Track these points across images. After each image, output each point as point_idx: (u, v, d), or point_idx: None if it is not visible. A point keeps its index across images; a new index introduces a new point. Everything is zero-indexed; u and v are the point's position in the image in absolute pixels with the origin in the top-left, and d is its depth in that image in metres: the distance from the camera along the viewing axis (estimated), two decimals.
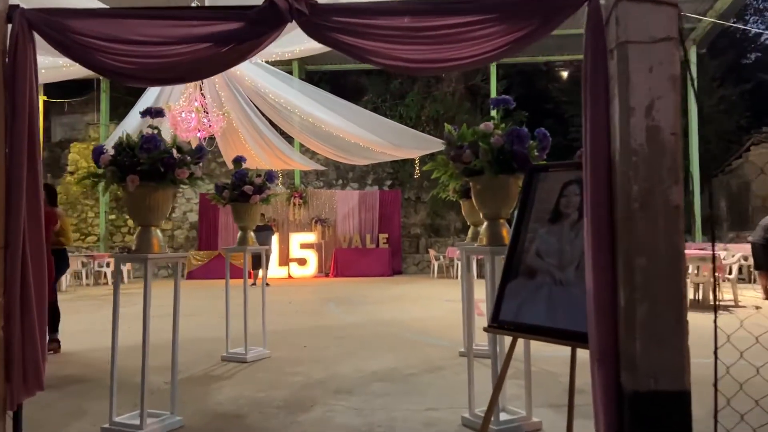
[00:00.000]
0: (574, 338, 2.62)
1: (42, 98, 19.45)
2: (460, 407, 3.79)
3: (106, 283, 15.13)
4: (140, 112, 3.66)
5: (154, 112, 3.58)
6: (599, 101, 2.32)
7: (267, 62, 11.37)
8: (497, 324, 2.95)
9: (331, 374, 4.82)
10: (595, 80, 2.33)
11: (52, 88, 20.90)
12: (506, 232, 3.51)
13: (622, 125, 2.21)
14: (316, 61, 18.08)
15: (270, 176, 5.55)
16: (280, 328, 7.27)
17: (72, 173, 20.41)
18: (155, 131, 3.49)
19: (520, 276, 2.96)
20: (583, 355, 2.49)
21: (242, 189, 5.38)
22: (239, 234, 5.61)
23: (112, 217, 19.48)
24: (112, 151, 3.50)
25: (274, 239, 16.60)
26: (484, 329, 3.02)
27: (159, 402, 4.10)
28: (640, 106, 2.18)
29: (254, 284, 12.92)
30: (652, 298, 2.14)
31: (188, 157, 3.50)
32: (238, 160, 5.62)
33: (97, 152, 3.46)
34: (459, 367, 5.01)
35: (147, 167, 3.36)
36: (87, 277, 15.20)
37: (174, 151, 3.51)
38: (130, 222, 19.60)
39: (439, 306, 9.31)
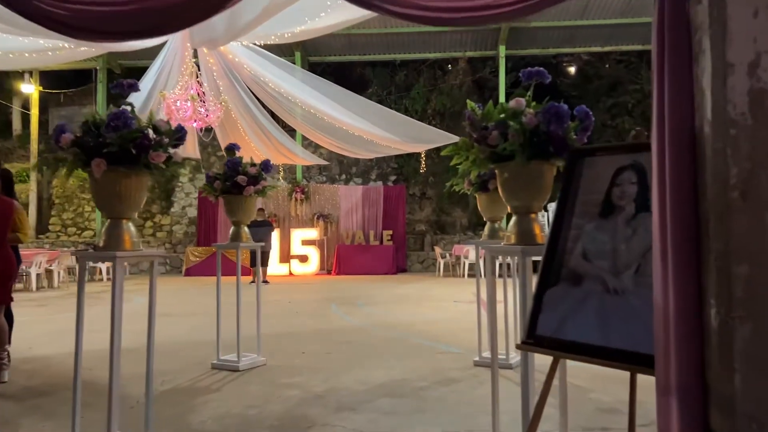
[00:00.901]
0: (635, 361, 2.09)
1: (37, 88, 18.96)
2: (481, 430, 3.28)
3: (102, 280, 14.64)
4: (110, 86, 3.13)
5: (126, 86, 3.06)
6: (680, 59, 1.79)
7: (267, 49, 10.85)
8: (533, 340, 2.42)
9: (332, 387, 4.30)
10: (674, 32, 1.80)
11: (50, 79, 20.40)
12: (539, 229, 2.98)
13: (715, 89, 1.68)
14: (319, 52, 17.56)
15: (266, 166, 5.03)
16: (277, 330, 6.76)
17: None
18: (129, 108, 2.97)
19: (562, 282, 2.43)
20: (626, 376, 1.96)
21: (235, 180, 4.86)
22: (232, 229, 5.09)
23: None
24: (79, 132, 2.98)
25: (275, 236, 16.10)
26: (518, 346, 2.49)
27: (134, 420, 3.58)
28: (741, 62, 1.65)
29: (253, 282, 12.45)
30: (757, 318, 1.61)
31: (165, 139, 2.98)
32: (231, 148, 5.10)
33: (58, 131, 2.93)
34: (474, 380, 4.49)
35: (116, 149, 2.84)
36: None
37: (150, 131, 2.99)
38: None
39: (447, 308, 8.79)
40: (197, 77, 10.24)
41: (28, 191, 19.20)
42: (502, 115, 2.88)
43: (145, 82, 11.30)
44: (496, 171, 3.01)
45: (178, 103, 9.76)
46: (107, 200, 2.97)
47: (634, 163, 2.37)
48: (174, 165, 3.06)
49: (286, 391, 4.22)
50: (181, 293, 11.43)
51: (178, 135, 3.10)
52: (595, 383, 4.23)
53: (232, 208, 4.99)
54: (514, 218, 3.01)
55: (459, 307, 8.75)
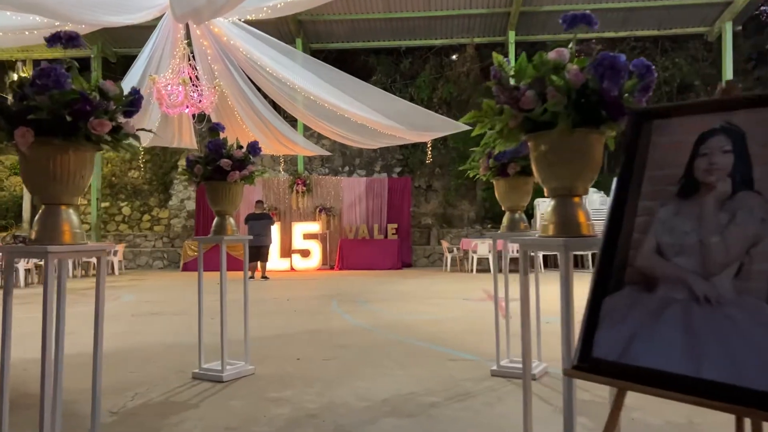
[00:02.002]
0: (743, 400, 1.48)
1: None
2: None
3: (95, 274, 14.06)
4: (45, 39, 2.51)
5: (65, 39, 2.44)
6: None
7: (265, 32, 10.22)
8: (589, 364, 1.80)
9: (328, 403, 3.69)
10: None
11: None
12: (584, 217, 2.34)
13: None
14: (321, 39, 16.93)
15: (253, 148, 4.40)
16: (271, 332, 6.15)
17: None
18: (67, 66, 2.36)
19: (628, 287, 1.81)
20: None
21: (218, 164, 4.25)
22: (215, 221, 4.48)
23: (106, 204, 18.43)
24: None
25: (275, 229, 15.50)
26: (566, 372, 1.88)
27: None
28: None
29: (252, 278, 11.87)
30: None
31: (111, 103, 2.36)
32: (215, 128, 4.48)
33: None
34: (493, 394, 3.87)
35: (46, 115, 2.22)
36: (74, 269, 14.15)
37: (96, 95, 2.38)
38: (126, 210, 18.59)
39: (456, 306, 8.17)
40: (189, 60, 9.61)
41: (22, 184, 18.64)
42: (540, 71, 2.25)
43: (136, 68, 10.71)
44: (530, 144, 2.39)
45: (169, 88, 9.14)
46: (39, 181, 2.36)
47: (727, 125, 1.74)
48: (125, 137, 2.45)
49: (274, 408, 3.61)
50: (175, 289, 10.86)
51: (131, 99, 2.48)
52: (637, 400, 3.61)
53: (215, 196, 4.38)
54: (552, 204, 2.38)
55: (469, 306, 8.14)
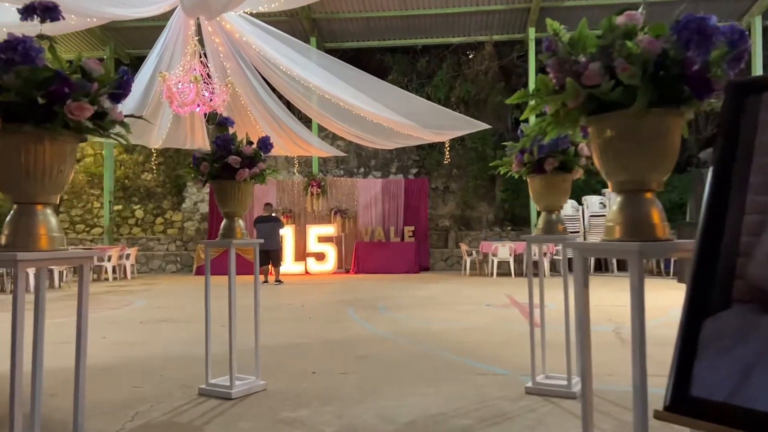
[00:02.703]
0: None
1: None
2: None
3: (107, 279, 13.83)
4: (18, 10, 2.15)
5: (39, 9, 2.08)
6: None
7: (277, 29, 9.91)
8: (686, 405, 1.40)
9: (347, 425, 3.31)
10: None
11: None
12: (658, 216, 1.94)
13: None
14: (336, 38, 16.59)
15: (264, 144, 4.04)
16: (285, 341, 5.79)
17: (78, 161, 19.21)
18: (42, 42, 2.01)
19: (737, 305, 1.40)
20: None
21: (226, 161, 3.89)
22: (223, 223, 4.12)
23: (119, 207, 18.23)
24: None
25: (288, 233, 15.17)
26: (658, 415, 1.47)
27: None
28: None
29: (266, 282, 11.52)
30: None
31: (95, 85, 2.01)
32: (223, 123, 4.12)
33: None
34: (531, 415, 3.46)
35: (14, 97, 1.87)
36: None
37: (79, 76, 2.02)
38: (139, 213, 18.38)
39: (480, 313, 7.76)
40: (201, 57, 9.31)
41: None
42: (606, 39, 1.85)
43: (147, 66, 10.43)
44: (592, 130, 1.99)
45: (180, 86, 8.83)
46: (8, 176, 2.00)
47: None
48: (110, 125, 2.09)
49: (287, 431, 3.24)
50: (187, 295, 10.54)
51: (120, 81, 2.12)
52: None
53: (223, 196, 4.02)
54: (619, 201, 1.98)
55: (493, 313, 7.72)
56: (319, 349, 5.43)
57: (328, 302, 9.09)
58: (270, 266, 12.17)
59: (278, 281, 12.08)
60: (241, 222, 4.13)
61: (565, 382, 3.93)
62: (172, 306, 8.86)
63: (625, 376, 4.31)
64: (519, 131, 3.98)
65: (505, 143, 4.15)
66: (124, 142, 2.26)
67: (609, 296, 9.02)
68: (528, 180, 3.97)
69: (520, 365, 4.65)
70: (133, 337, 6.27)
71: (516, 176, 4.07)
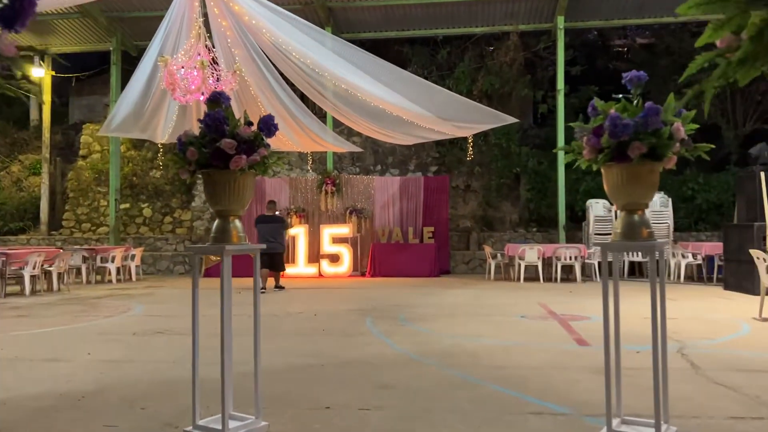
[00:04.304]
0: None
1: (49, 73, 17.58)
2: None
3: (111, 281, 13.10)
4: None
5: None
6: None
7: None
8: None
9: None
10: None
11: (65, 65, 19.04)
12: None
13: None
14: (353, 28, 15.76)
15: (267, 125, 3.21)
16: (293, 362, 4.95)
17: (84, 157, 18.59)
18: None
19: None
20: None
21: (218, 145, 3.06)
22: (216, 224, 3.29)
23: (126, 205, 17.54)
24: None
25: (301, 234, 14.35)
26: None
27: None
28: None
29: (264, 290, 10.66)
30: None
31: None
32: (216, 98, 3.28)
33: None
34: None
35: None
36: (89, 274, 13.19)
37: None
38: (147, 211, 17.69)
39: (515, 326, 6.88)
40: (206, 41, 8.51)
41: (40, 184, 17.89)
42: None
43: (150, 54, 9.66)
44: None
45: (182, 71, 8.03)
46: None
47: None
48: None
49: None
50: (191, 300, 9.75)
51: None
52: None
53: (215, 189, 3.19)
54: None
55: (530, 326, 6.83)
56: (333, 374, 4.58)
57: (342, 311, 8.25)
58: (269, 271, 11.00)
59: (279, 287, 11.00)
60: (237, 223, 3.29)
61: (648, 421, 3.05)
62: (173, 314, 8.07)
63: (714, 418, 3.43)
64: (591, 107, 3.12)
65: (572, 124, 3.27)
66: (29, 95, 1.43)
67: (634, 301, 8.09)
68: (603, 171, 3.09)
69: (579, 400, 3.77)
70: (121, 353, 5.47)
71: (584, 166, 3.20)
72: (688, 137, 2.99)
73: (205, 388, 3.32)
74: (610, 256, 3.18)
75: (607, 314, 3.06)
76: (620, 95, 3.15)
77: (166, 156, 3.17)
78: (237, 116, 9.84)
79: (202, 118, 3.19)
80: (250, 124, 3.22)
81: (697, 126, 3.09)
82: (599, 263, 13.07)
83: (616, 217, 13.66)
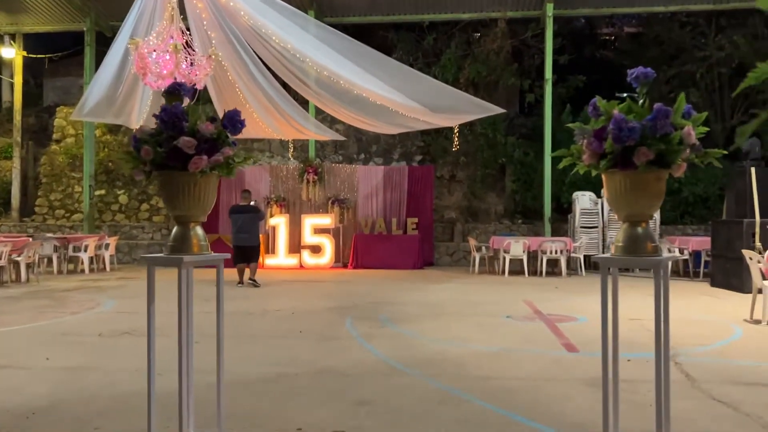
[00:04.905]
0: None
1: (20, 53, 16.92)
2: None
3: (84, 271, 12.65)
4: None
5: None
6: None
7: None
8: None
9: None
10: None
11: (37, 45, 18.37)
12: None
13: None
14: (336, 12, 15.29)
15: (231, 121, 2.86)
16: (264, 371, 4.63)
17: (58, 141, 18.00)
18: None
19: None
20: None
21: (175, 144, 2.71)
22: (174, 231, 2.94)
23: (101, 192, 17.02)
24: None
25: (281, 224, 13.97)
26: None
27: None
28: None
29: (240, 283, 10.28)
30: None
31: None
32: (174, 91, 2.92)
33: None
34: None
35: None
36: (61, 264, 12.73)
37: None
38: (123, 198, 17.19)
39: (501, 328, 6.61)
40: (179, 23, 8.07)
41: (11, 168, 17.29)
42: None
43: (122, 37, 9.18)
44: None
45: (154, 55, 7.60)
46: None
47: None
48: None
49: None
50: (165, 293, 9.35)
51: None
52: None
53: (172, 193, 2.84)
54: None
55: (516, 329, 6.58)
56: (308, 386, 4.27)
57: (322, 309, 7.94)
58: (244, 265, 10.39)
59: (253, 281, 10.33)
60: (198, 230, 2.95)
61: None
62: (143, 311, 7.65)
63: None
64: (591, 107, 2.81)
65: (570, 125, 2.96)
66: None
67: (641, 304, 7.88)
68: (604, 177, 2.79)
69: (572, 421, 3.51)
70: (82, 359, 5.12)
71: (581, 171, 2.90)
72: (698, 142, 2.70)
73: (171, 402, 2.97)
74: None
75: (606, 343, 2.77)
76: (624, 94, 2.85)
77: (118, 153, 2.85)
78: (216, 102, 9.43)
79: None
80: (213, 120, 2.87)
81: (707, 129, 2.81)
82: (585, 257, 12.89)
83: (602, 210, 13.49)
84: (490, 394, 4.03)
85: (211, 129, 2.80)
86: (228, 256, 3.15)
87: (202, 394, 3.44)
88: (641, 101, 2.75)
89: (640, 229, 2.79)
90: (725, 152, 2.84)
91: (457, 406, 3.83)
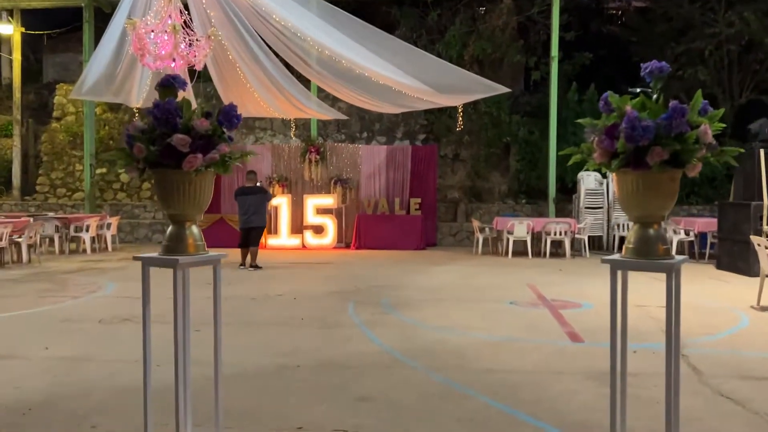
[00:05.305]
0: None
1: (18, 29, 16.69)
2: None
3: (86, 251, 12.62)
4: None
5: None
6: None
7: None
8: None
9: None
10: None
11: (37, 20, 18.13)
12: None
13: None
14: None
15: (228, 116, 2.75)
16: (265, 362, 4.58)
17: (58, 119, 17.85)
18: None
19: None
20: None
21: (168, 142, 2.61)
22: (170, 230, 2.86)
23: (102, 170, 16.92)
24: None
25: (283, 204, 13.88)
26: None
27: None
28: None
29: (243, 266, 10.19)
30: None
31: None
32: (168, 83, 2.80)
33: None
34: None
35: None
36: (63, 244, 12.69)
37: None
38: (124, 176, 17.09)
39: (505, 315, 6.55)
40: (178, 1, 7.89)
41: (12, 147, 17.18)
42: None
43: (119, 15, 9.00)
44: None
45: (152, 35, 7.44)
46: None
47: None
48: None
49: None
50: (167, 275, 9.32)
51: None
52: None
53: (166, 192, 2.74)
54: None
55: (520, 315, 6.52)
56: (308, 380, 4.22)
57: (324, 293, 7.89)
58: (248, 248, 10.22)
59: (255, 266, 10.12)
60: (194, 229, 2.86)
61: None
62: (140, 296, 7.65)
63: None
64: (602, 102, 2.69)
65: (580, 121, 2.84)
66: None
67: (647, 289, 7.78)
68: (616, 177, 2.68)
69: (578, 419, 3.45)
70: (81, 348, 5.07)
71: (592, 169, 2.80)
72: (715, 140, 2.58)
73: (170, 397, 2.88)
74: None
75: (614, 353, 2.68)
76: (638, 89, 2.71)
77: (110, 151, 2.76)
78: (217, 82, 9.24)
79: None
80: (208, 115, 2.76)
81: (724, 126, 2.69)
82: (589, 238, 12.80)
83: (607, 190, 13.35)
84: (493, 389, 3.97)
85: (206, 125, 2.68)
86: (226, 256, 3.05)
87: (202, 387, 3.39)
88: (655, 97, 2.63)
89: (651, 231, 2.68)
90: (742, 150, 2.72)
91: (460, 402, 3.77)
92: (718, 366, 4.54)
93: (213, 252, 2.93)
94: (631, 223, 2.75)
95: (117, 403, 3.75)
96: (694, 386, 4.10)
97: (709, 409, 3.67)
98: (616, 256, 2.76)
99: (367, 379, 4.22)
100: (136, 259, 2.92)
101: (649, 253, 2.67)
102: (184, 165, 2.61)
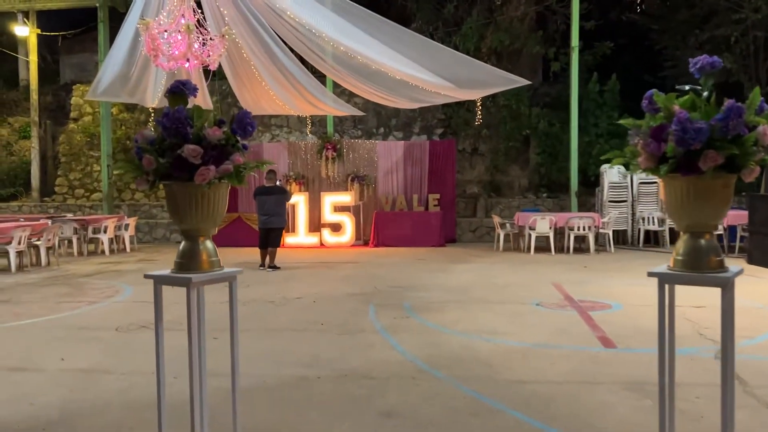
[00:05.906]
0: None
1: (34, 31, 16.69)
2: None
3: (104, 252, 12.60)
4: None
5: None
6: None
7: None
8: None
9: None
10: None
11: (52, 22, 18.13)
12: None
13: None
14: None
15: (241, 124, 2.57)
16: (283, 373, 4.41)
17: (76, 120, 17.87)
18: None
19: None
20: None
21: (179, 153, 2.44)
22: (182, 246, 2.70)
23: (120, 171, 16.83)
24: None
25: (300, 202, 13.74)
26: None
27: None
28: None
29: (262, 267, 10.06)
30: None
31: None
32: (178, 90, 2.63)
33: None
34: None
35: None
36: (81, 246, 12.67)
37: None
38: None
39: (531, 318, 6.33)
40: (191, 1, 7.74)
41: (30, 148, 17.24)
42: None
43: (133, 15, 8.89)
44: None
45: (165, 35, 7.30)
46: None
47: None
48: None
49: None
50: None
51: None
52: None
53: (178, 206, 2.58)
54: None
55: (547, 318, 6.29)
56: (330, 393, 4.05)
57: (343, 295, 7.72)
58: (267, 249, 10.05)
59: (273, 266, 9.97)
60: (208, 244, 2.70)
61: None
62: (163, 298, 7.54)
63: None
64: (646, 101, 2.47)
65: (622, 122, 2.62)
66: None
67: (680, 287, 7.52)
68: (662, 183, 2.46)
69: None
70: (98, 359, 4.96)
71: (635, 171, 2.59)
72: None
73: (187, 411, 2.71)
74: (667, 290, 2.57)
75: (662, 373, 2.46)
76: (686, 86, 2.48)
77: (117, 163, 2.60)
78: (231, 81, 9.04)
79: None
80: (220, 123, 2.58)
81: None
82: (614, 232, 12.50)
83: (631, 183, 13.02)
84: (525, 403, 3.77)
85: (218, 134, 2.51)
86: (242, 271, 2.88)
87: (220, 400, 3.24)
88: (706, 95, 2.40)
89: (703, 241, 2.47)
90: None
91: (489, 418, 3.58)
92: (763, 374, 4.29)
93: (228, 250, 2.75)
94: (657, 216, 2.56)
95: (134, 420, 3.61)
96: (739, 397, 3.84)
97: (756, 422, 3.45)
98: (663, 268, 2.55)
99: (391, 392, 4.04)
100: (147, 277, 2.76)
101: (701, 266, 2.46)
102: (196, 178, 2.44)
